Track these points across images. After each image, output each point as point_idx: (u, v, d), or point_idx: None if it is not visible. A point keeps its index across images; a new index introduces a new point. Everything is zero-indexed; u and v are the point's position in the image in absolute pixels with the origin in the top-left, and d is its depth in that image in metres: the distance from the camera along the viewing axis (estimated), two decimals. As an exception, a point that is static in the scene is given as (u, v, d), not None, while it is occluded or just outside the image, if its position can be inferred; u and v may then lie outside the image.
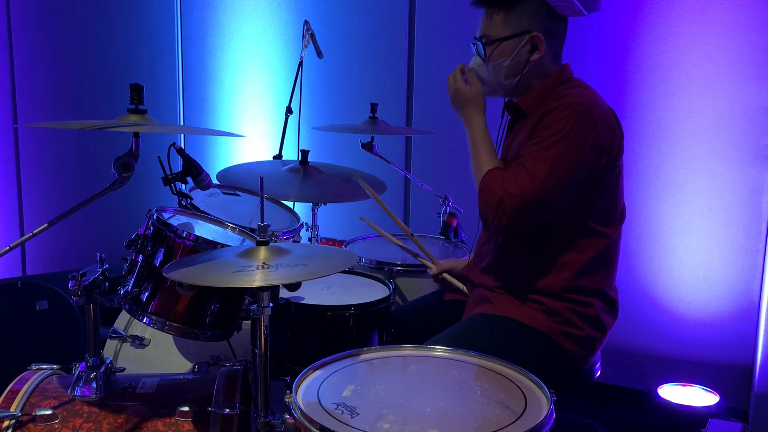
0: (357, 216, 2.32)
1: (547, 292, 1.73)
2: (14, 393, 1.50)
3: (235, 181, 2.38)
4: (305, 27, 2.84)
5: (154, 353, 2.08)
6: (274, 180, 2.41)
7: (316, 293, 1.94)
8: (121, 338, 2.09)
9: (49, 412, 1.45)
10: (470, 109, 1.80)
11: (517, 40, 1.73)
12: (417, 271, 2.27)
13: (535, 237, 1.72)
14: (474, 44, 1.81)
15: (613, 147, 1.68)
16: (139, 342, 2.08)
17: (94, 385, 1.49)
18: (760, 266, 2.70)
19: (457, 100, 1.83)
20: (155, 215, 1.64)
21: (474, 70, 1.83)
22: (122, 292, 1.62)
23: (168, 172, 1.81)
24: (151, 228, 1.63)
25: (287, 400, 1.28)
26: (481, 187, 1.70)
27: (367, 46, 3.39)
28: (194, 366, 1.75)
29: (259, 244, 1.44)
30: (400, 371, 1.46)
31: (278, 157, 2.85)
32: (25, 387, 1.52)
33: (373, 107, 2.59)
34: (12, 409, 1.45)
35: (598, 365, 1.88)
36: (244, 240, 1.82)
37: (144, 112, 1.54)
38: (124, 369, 1.67)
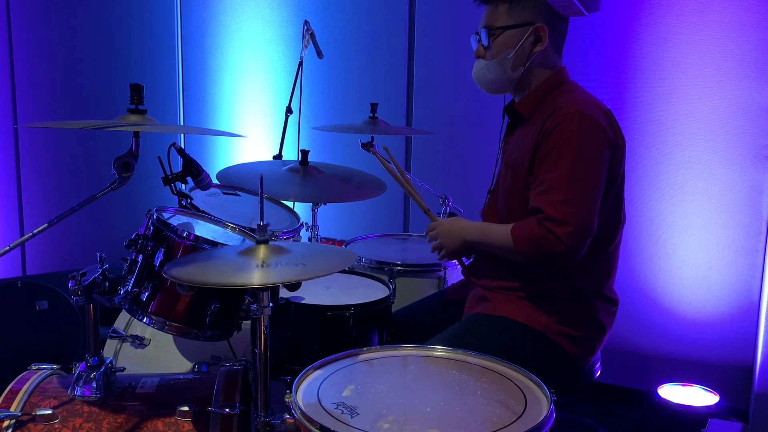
0: (357, 216, 2.32)
1: (547, 293, 1.73)
2: (14, 393, 1.50)
3: (235, 181, 2.38)
4: (305, 27, 2.84)
5: (154, 353, 2.08)
6: (274, 180, 2.41)
7: (316, 293, 1.93)
8: (121, 338, 2.09)
9: (49, 411, 1.45)
10: (454, 232, 1.84)
11: (521, 30, 1.74)
12: (417, 271, 2.27)
13: None
14: (477, 34, 1.81)
15: (617, 146, 1.69)
16: (139, 342, 2.08)
17: (94, 384, 1.49)
18: (760, 266, 2.70)
19: (445, 239, 1.86)
20: (155, 215, 1.64)
21: (479, 64, 1.82)
22: (122, 292, 1.62)
23: (168, 172, 1.81)
24: (151, 228, 1.63)
25: (287, 400, 1.28)
26: (516, 240, 1.65)
27: (367, 46, 3.39)
28: (194, 366, 1.75)
29: (258, 243, 1.44)
30: (400, 371, 1.46)
31: (278, 157, 2.85)
32: (25, 387, 1.52)
33: (373, 107, 2.59)
34: (12, 408, 1.45)
35: (598, 365, 1.88)
36: (244, 240, 1.82)
37: (144, 112, 1.54)
38: (124, 369, 1.67)
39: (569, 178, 1.59)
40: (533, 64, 1.77)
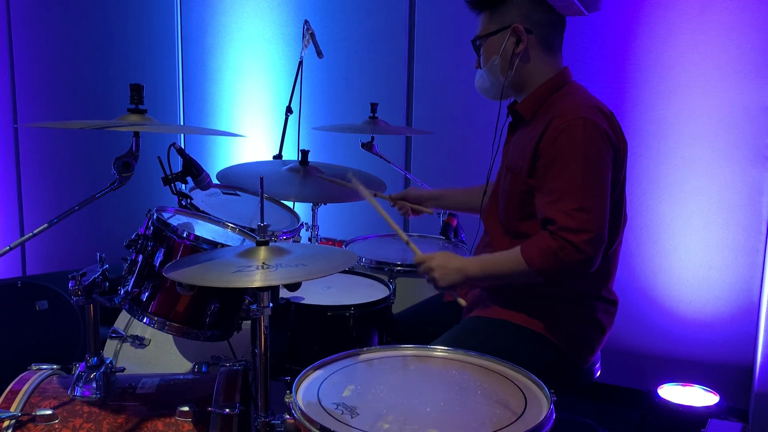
0: (357, 216, 2.32)
1: (546, 295, 1.73)
2: (14, 393, 1.50)
3: (235, 181, 2.38)
4: (305, 27, 2.84)
5: (154, 353, 2.08)
6: (274, 180, 2.41)
7: (316, 293, 1.93)
8: (121, 338, 2.10)
9: (49, 412, 1.45)
10: (452, 267, 1.71)
11: (501, 35, 1.75)
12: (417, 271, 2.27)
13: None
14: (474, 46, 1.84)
15: (619, 149, 1.69)
16: (139, 342, 2.08)
17: (94, 385, 1.50)
18: (760, 266, 2.70)
19: (442, 275, 1.72)
20: (155, 215, 1.64)
21: (477, 74, 1.85)
22: (122, 292, 1.62)
23: (168, 172, 1.81)
24: (151, 228, 1.63)
25: (287, 400, 1.28)
26: (531, 260, 1.59)
27: (367, 46, 3.39)
28: (194, 366, 1.75)
29: (259, 244, 1.44)
30: (400, 371, 1.46)
31: (278, 157, 2.85)
32: (25, 387, 1.52)
33: (373, 107, 2.59)
34: (12, 409, 1.45)
35: (598, 365, 1.88)
36: (244, 240, 1.82)
37: (144, 112, 1.54)
38: (124, 369, 1.67)
39: (581, 186, 1.57)
40: (522, 64, 1.76)
